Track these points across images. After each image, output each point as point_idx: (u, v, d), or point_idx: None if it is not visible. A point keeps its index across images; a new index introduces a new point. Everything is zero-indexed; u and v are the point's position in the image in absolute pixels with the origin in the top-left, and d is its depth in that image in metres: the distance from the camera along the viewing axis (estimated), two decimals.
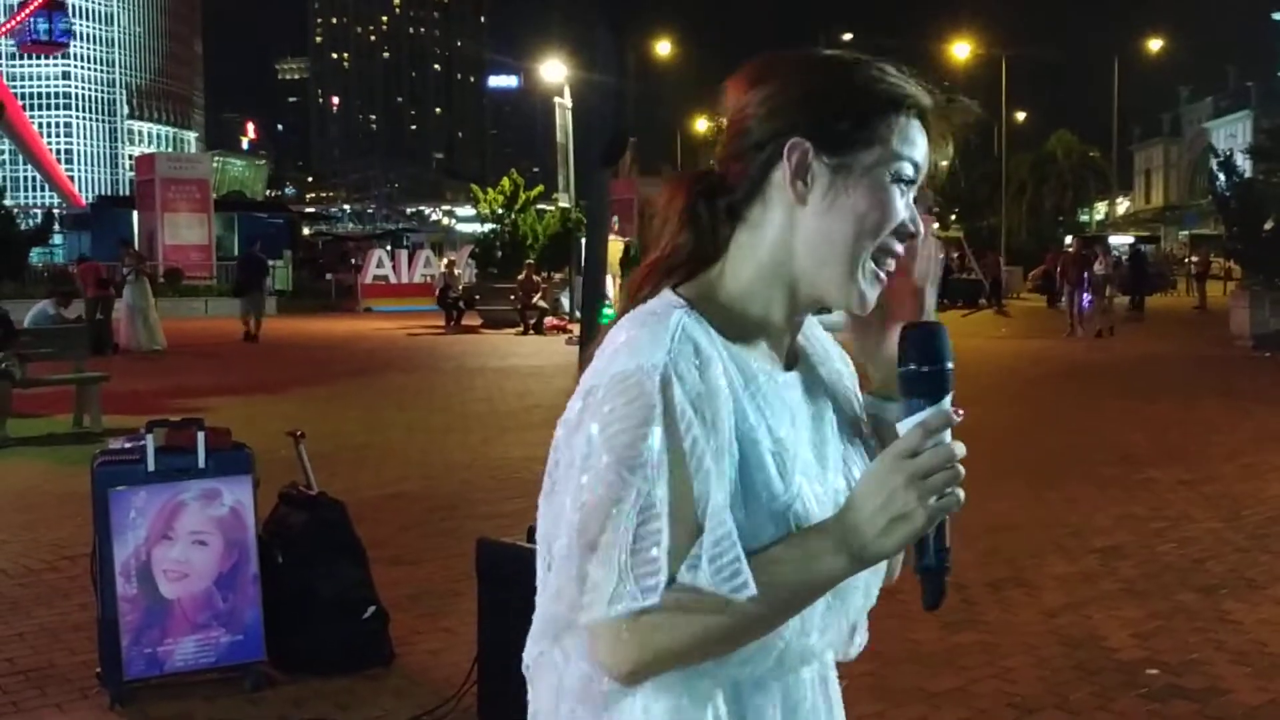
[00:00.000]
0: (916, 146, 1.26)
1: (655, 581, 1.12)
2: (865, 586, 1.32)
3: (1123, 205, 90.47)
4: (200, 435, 4.40)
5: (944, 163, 1.35)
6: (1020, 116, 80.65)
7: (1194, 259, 39.22)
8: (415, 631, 5.10)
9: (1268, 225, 21.56)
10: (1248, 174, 25.39)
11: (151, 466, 4.32)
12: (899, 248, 1.26)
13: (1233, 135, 73.24)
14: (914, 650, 4.95)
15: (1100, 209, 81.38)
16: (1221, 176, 23.38)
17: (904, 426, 1.16)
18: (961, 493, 1.14)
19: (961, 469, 1.14)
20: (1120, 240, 52.46)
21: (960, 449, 1.14)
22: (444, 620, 5.27)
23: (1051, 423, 11.85)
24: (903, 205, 1.24)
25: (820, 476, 1.26)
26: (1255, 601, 5.57)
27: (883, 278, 1.25)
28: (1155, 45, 62.78)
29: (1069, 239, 53.38)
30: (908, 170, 1.24)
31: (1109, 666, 4.73)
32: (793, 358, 1.33)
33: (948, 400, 1.16)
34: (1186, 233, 66.32)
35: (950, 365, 1.18)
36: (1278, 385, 14.77)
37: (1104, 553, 6.48)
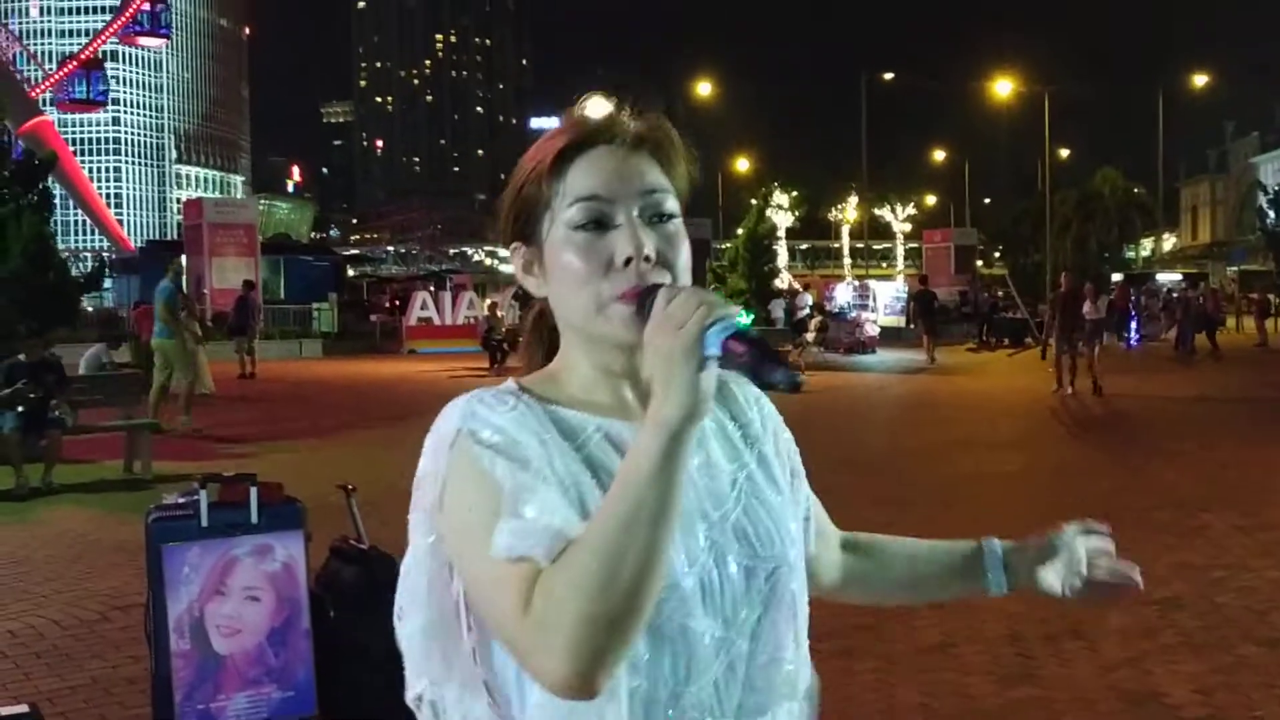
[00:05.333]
0: (586, 178, 1.30)
1: (531, 542, 1.17)
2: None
3: (1169, 241, 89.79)
4: (253, 491, 4.41)
5: (679, 161, 1.36)
6: (1064, 153, 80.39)
7: (1254, 295, 38.79)
8: None
9: None
10: None
11: (205, 522, 4.34)
12: (639, 277, 1.27)
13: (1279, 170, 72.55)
14: (969, 706, 4.87)
15: (1147, 245, 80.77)
16: (1272, 213, 23.13)
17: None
18: (710, 306, 1.16)
19: (704, 296, 1.17)
20: (1168, 278, 52.01)
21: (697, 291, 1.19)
22: None
23: (1100, 466, 11.71)
24: (591, 245, 1.28)
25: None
26: None
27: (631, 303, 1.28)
28: (1200, 81, 62.45)
29: (1118, 276, 52.94)
30: (586, 211, 1.29)
31: None
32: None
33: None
34: (1235, 269, 65.64)
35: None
36: None
37: (1162, 603, 6.36)
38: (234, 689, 4.37)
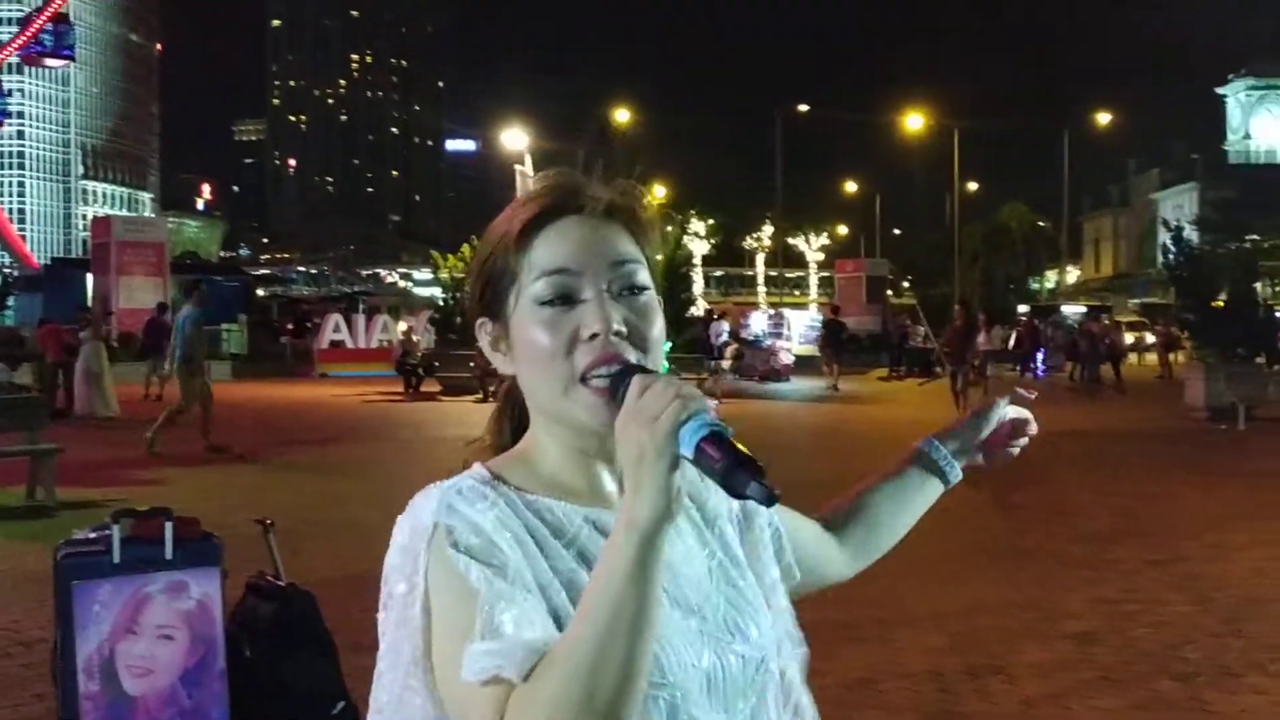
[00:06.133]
0: (554, 251, 1.25)
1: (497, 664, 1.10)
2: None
3: (1073, 274, 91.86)
4: (168, 526, 4.27)
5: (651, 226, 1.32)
6: (972, 187, 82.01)
7: (1158, 326, 39.77)
8: None
9: (1221, 298, 21.88)
10: (1196, 245, 25.87)
11: (117, 558, 4.19)
12: (607, 351, 1.22)
13: (1179, 206, 74.68)
14: None
15: (1051, 277, 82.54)
16: (1174, 249, 23.70)
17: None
18: (684, 402, 1.09)
19: (679, 389, 1.11)
20: (1072, 309, 53.19)
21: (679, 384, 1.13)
22: None
23: (1013, 499, 11.84)
24: (555, 321, 1.24)
25: (672, 608, 1.24)
26: (1233, 690, 5.54)
27: (602, 388, 1.22)
28: (1104, 119, 64.10)
29: (1024, 308, 53.94)
30: (552, 286, 1.24)
31: None
32: None
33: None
34: (1137, 301, 67.28)
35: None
36: (1234, 459, 14.92)
37: (1078, 638, 6.44)
38: None
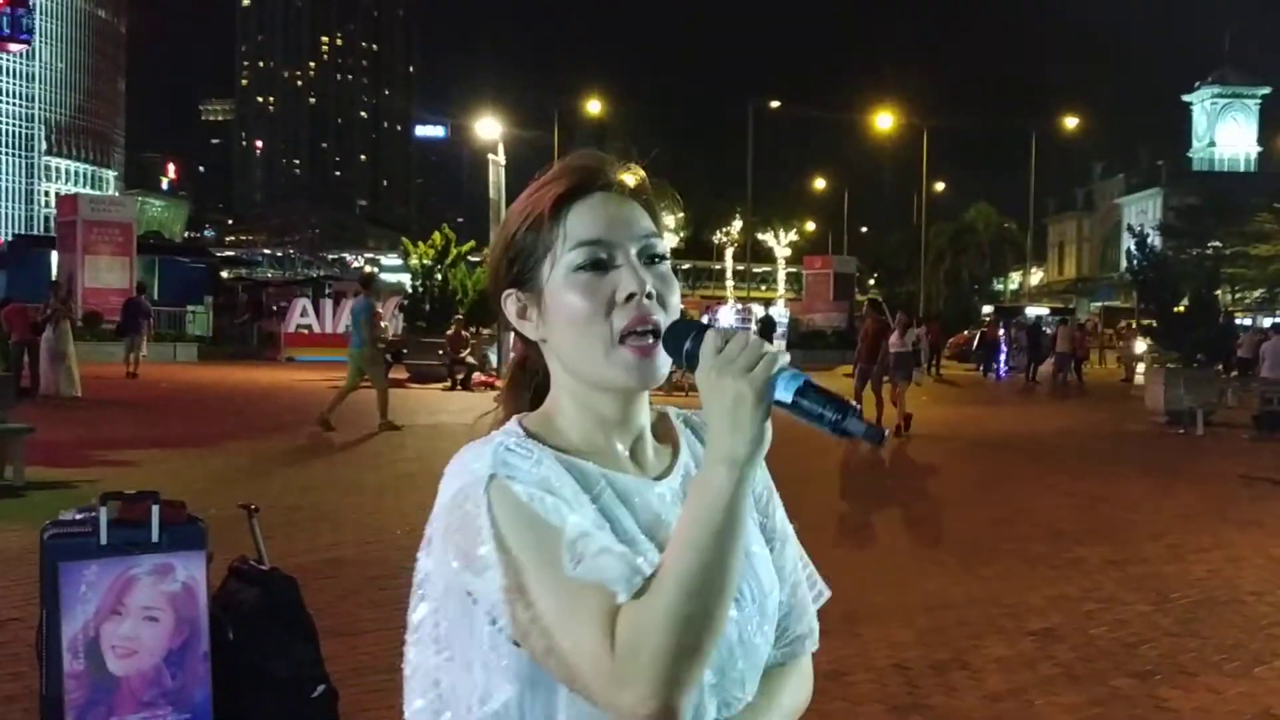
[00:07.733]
0: (587, 222, 1.36)
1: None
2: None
3: (1037, 276, 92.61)
4: (155, 509, 4.33)
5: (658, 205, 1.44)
6: (940, 187, 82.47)
7: (1122, 328, 40.28)
8: (363, 709, 5.03)
9: (1184, 303, 22.18)
10: (1160, 250, 26.27)
11: (104, 540, 4.24)
12: (642, 311, 1.33)
13: (1143, 212, 75.45)
14: None
15: (1015, 279, 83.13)
16: (1138, 253, 23.98)
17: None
18: (774, 355, 1.23)
19: (764, 345, 1.25)
20: (1036, 311, 53.70)
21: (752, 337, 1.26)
22: (391, 696, 5.15)
23: (978, 498, 12.02)
24: (592, 284, 1.33)
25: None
26: (1188, 689, 5.69)
27: (642, 346, 1.33)
28: (1071, 123, 64.63)
29: (989, 309, 54.30)
30: (588, 254, 1.34)
31: None
32: (672, 461, 1.43)
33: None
34: (1099, 304, 67.95)
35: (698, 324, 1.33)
36: (1192, 462, 15.17)
37: (1040, 635, 6.58)
38: (128, 711, 4.27)
